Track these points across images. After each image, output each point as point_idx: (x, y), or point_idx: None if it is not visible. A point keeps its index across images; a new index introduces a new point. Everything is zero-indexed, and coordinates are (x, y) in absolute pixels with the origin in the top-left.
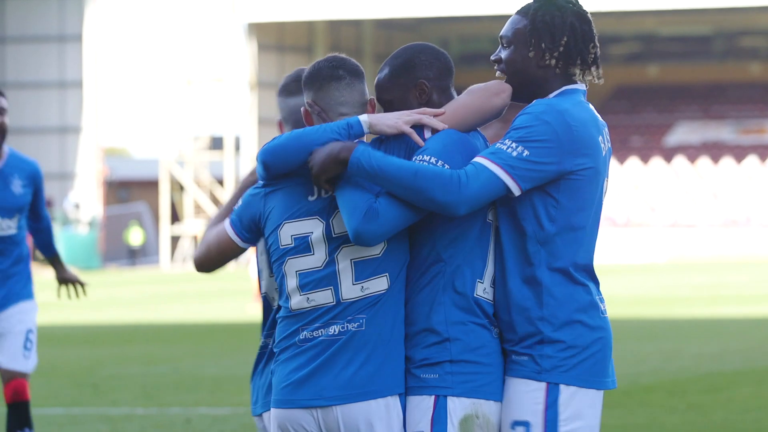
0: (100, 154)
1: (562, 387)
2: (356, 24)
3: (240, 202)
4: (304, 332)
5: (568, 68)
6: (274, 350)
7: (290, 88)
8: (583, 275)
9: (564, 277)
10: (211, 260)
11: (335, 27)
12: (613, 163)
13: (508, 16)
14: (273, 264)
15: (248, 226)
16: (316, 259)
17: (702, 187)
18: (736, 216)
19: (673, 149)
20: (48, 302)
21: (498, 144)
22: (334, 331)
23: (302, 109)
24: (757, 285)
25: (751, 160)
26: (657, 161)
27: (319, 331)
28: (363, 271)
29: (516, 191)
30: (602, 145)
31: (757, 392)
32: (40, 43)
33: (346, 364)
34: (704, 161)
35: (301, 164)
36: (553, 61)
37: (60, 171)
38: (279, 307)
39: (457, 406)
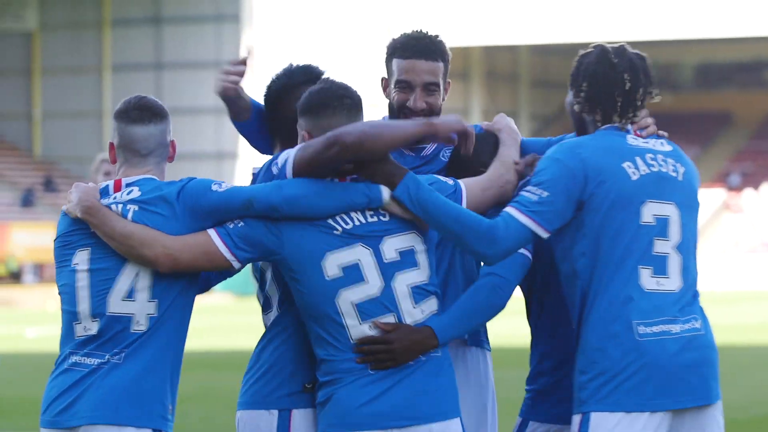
0: None
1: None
2: (512, 50)
3: (238, 219)
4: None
5: (593, 114)
6: (323, 378)
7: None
8: (616, 299)
9: (599, 304)
10: (180, 267)
11: (490, 53)
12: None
13: (664, 42)
14: (307, 295)
15: (248, 247)
16: (371, 286)
17: None
18: None
19: None
20: (198, 327)
21: (522, 191)
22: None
23: (302, 134)
24: None
25: None
26: None
27: None
28: (419, 293)
29: (543, 234)
30: (629, 170)
31: None
32: (198, 69)
33: (419, 386)
34: None
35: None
36: (578, 107)
37: None
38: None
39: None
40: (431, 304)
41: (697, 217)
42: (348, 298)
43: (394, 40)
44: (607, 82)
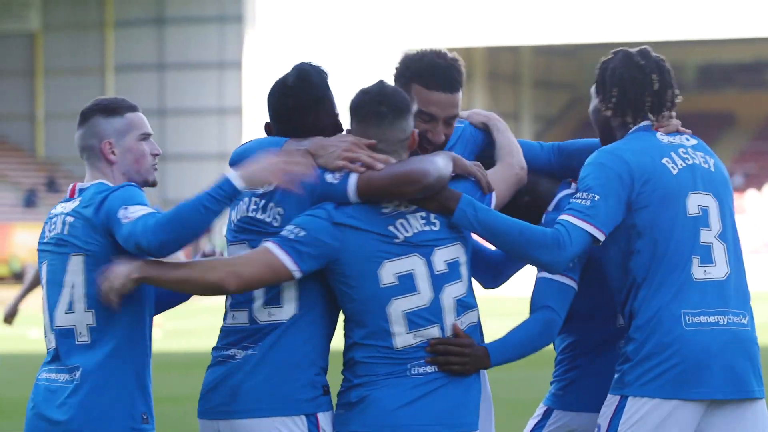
0: None
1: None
2: (514, 50)
3: (296, 228)
4: (416, 368)
5: (624, 117)
6: (356, 380)
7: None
8: (668, 291)
9: (647, 293)
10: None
11: (493, 53)
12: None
13: (668, 43)
14: (359, 301)
15: (313, 256)
16: (421, 297)
17: None
18: None
19: None
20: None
21: (572, 199)
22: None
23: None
24: None
25: None
26: None
27: (432, 367)
28: (461, 306)
29: (601, 237)
30: (669, 165)
31: None
32: (200, 69)
33: (454, 396)
34: None
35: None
36: (609, 112)
37: None
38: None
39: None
40: (471, 317)
41: (733, 206)
42: (399, 307)
43: (413, 60)
44: (637, 84)
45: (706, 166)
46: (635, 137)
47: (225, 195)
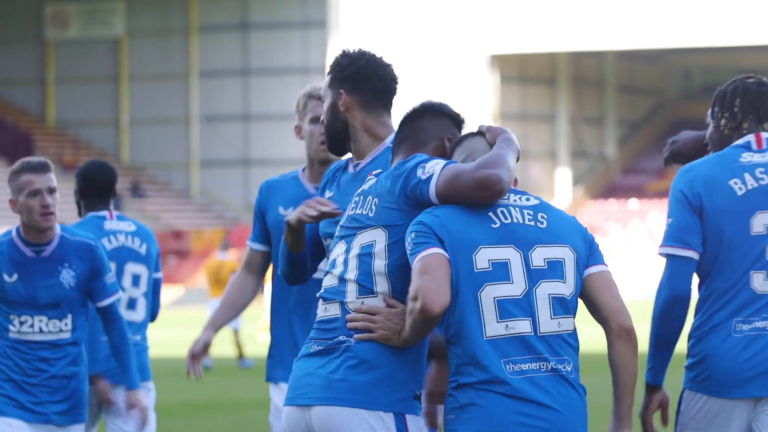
0: None
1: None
2: (598, 56)
3: (417, 226)
4: (510, 365)
5: (744, 122)
6: (453, 378)
7: None
8: (725, 302)
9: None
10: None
11: (577, 58)
12: None
13: (752, 47)
14: (452, 283)
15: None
16: (515, 287)
17: None
18: None
19: None
20: None
21: (665, 228)
22: (541, 367)
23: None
24: None
25: None
26: None
27: (527, 365)
28: (558, 307)
29: (694, 255)
30: (735, 186)
31: None
32: (284, 75)
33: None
34: None
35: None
36: (733, 123)
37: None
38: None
39: None
40: (569, 322)
41: None
42: (491, 294)
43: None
44: (761, 94)
45: None
46: (717, 155)
47: None
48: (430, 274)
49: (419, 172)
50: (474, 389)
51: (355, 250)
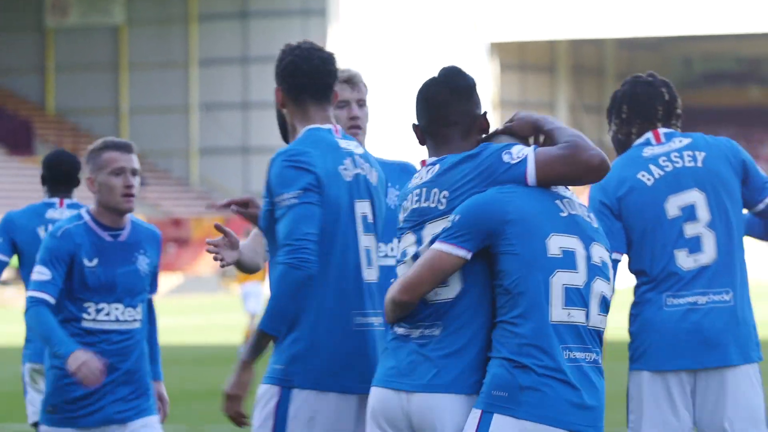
0: None
1: None
2: (598, 43)
3: (473, 210)
4: (567, 352)
5: (632, 127)
6: (511, 357)
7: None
8: (655, 281)
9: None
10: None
11: (577, 46)
12: None
13: (752, 35)
14: (524, 267)
15: (478, 233)
16: (579, 277)
17: None
18: None
19: None
20: None
21: None
22: (587, 357)
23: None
24: None
25: None
26: None
27: (580, 354)
28: (603, 306)
29: (619, 257)
30: (644, 178)
31: None
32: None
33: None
34: None
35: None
36: (624, 128)
37: None
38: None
39: None
40: (605, 322)
41: (733, 189)
42: (561, 280)
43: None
44: (648, 97)
45: (692, 164)
46: (623, 157)
47: None
48: (433, 273)
49: (506, 158)
50: (537, 374)
51: (426, 239)
